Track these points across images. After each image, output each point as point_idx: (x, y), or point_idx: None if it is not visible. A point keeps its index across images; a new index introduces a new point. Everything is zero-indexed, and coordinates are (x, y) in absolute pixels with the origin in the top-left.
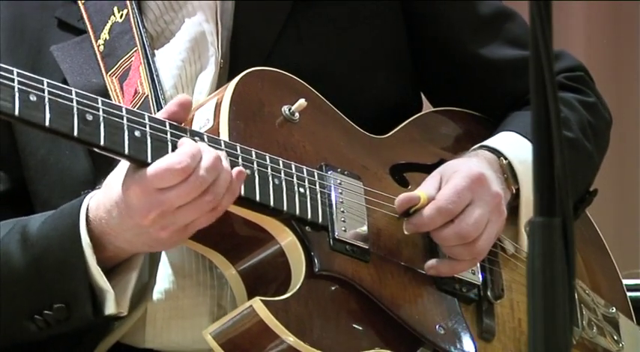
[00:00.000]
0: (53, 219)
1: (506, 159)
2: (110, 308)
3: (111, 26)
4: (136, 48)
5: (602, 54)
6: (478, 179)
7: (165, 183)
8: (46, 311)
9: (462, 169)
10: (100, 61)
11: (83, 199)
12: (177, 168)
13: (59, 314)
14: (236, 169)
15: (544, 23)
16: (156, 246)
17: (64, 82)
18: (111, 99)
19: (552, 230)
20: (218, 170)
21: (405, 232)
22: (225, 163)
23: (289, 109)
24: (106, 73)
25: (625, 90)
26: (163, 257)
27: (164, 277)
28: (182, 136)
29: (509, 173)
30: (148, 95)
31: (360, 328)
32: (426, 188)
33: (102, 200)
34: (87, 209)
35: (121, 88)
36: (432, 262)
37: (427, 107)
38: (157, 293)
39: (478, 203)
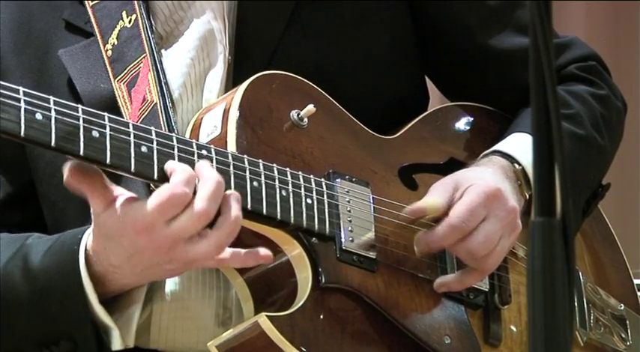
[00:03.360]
0: (54, 253)
1: (519, 164)
2: (116, 345)
3: (119, 31)
4: (144, 54)
5: (602, 54)
6: (493, 195)
7: (167, 215)
8: (52, 347)
9: (478, 183)
10: (108, 67)
11: (81, 235)
12: (173, 198)
13: (65, 348)
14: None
15: (544, 23)
16: (163, 277)
17: (72, 86)
18: (119, 106)
19: (552, 230)
20: (220, 196)
21: (416, 249)
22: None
23: (298, 114)
24: (114, 78)
25: (625, 90)
26: None
27: (170, 278)
28: (189, 150)
29: (522, 179)
30: (156, 103)
31: (367, 339)
32: (435, 197)
33: (101, 242)
34: (85, 247)
35: (129, 94)
36: (441, 280)
37: (434, 103)
38: (163, 294)
39: (492, 219)
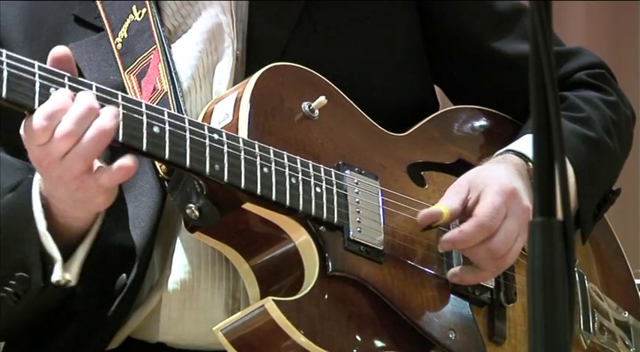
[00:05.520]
0: (16, 190)
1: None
2: (56, 275)
3: (129, 25)
4: (155, 46)
5: (602, 54)
6: (511, 193)
7: (40, 138)
8: (11, 281)
9: (494, 183)
10: (118, 59)
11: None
12: (42, 123)
13: (22, 283)
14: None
15: (544, 23)
16: (80, 204)
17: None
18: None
19: (552, 230)
20: (88, 119)
21: (440, 250)
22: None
23: (309, 106)
24: (124, 70)
25: (625, 90)
26: (179, 247)
27: (179, 268)
28: (201, 133)
29: None
30: (167, 92)
31: (372, 328)
32: (449, 202)
33: None
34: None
35: (139, 85)
36: (455, 270)
37: (443, 106)
38: (172, 283)
39: (511, 218)
